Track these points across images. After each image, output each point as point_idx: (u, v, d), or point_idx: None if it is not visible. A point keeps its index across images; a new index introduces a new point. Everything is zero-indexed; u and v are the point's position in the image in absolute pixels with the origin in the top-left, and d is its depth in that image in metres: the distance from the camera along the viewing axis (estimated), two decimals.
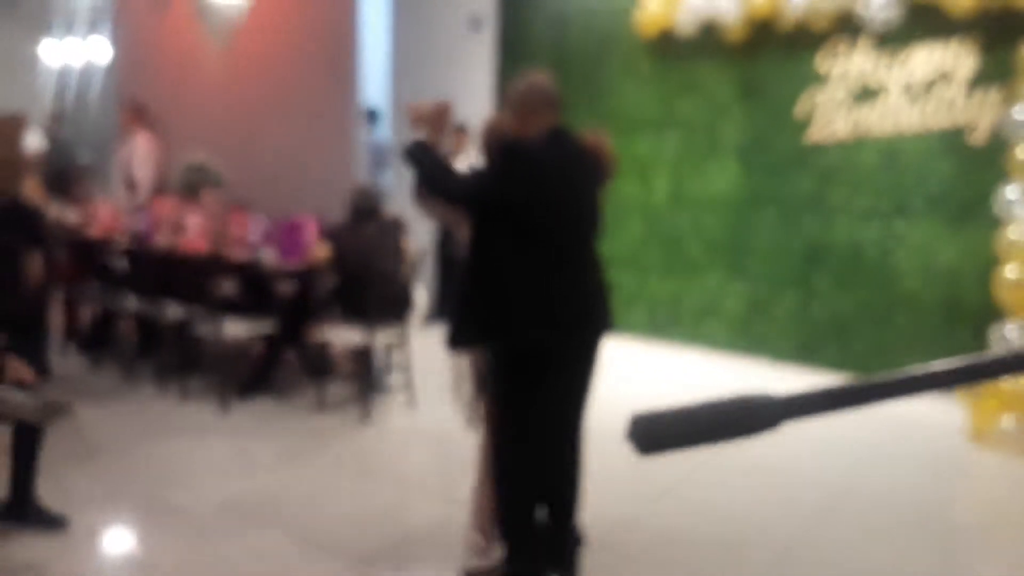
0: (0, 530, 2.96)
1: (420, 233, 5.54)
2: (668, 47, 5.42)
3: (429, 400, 4.52)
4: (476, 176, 2.61)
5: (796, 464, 3.76)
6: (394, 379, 4.72)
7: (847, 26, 4.79)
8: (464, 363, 2.86)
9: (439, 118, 2.56)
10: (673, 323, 5.63)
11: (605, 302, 2.65)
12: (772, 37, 5.05)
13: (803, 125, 5.01)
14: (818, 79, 4.93)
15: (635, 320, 5.78)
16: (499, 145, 2.57)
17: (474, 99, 6.08)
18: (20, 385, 2.88)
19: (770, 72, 5.08)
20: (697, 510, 3.37)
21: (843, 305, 4.97)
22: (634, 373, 5.30)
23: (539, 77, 2.64)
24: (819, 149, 4.97)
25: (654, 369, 5.40)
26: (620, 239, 5.77)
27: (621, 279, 5.75)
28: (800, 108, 4.99)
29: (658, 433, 0.92)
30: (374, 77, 6.42)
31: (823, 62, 4.88)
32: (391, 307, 4.24)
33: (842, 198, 4.92)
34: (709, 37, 5.24)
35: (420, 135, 2.50)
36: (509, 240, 2.51)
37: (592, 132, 2.73)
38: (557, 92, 2.60)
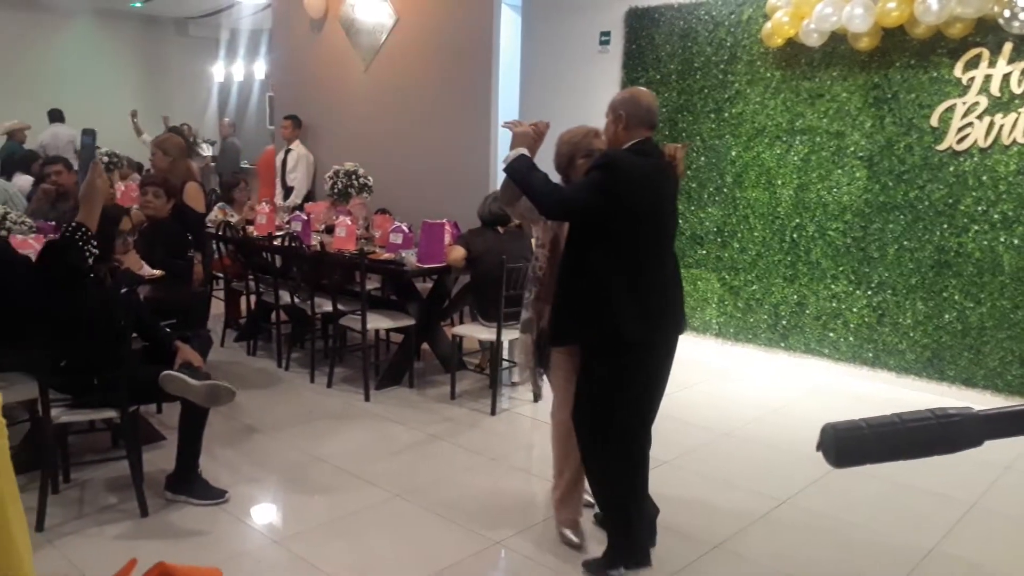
0: (169, 499, 3.38)
1: None
2: (795, 56, 5.44)
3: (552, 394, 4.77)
4: (576, 188, 2.78)
5: (920, 475, 3.74)
6: (521, 373, 5.00)
7: (985, 32, 4.67)
8: (529, 339, 3.13)
9: (539, 136, 2.93)
10: (796, 331, 5.62)
11: (683, 300, 2.92)
12: (905, 44, 4.98)
13: (936, 132, 4.91)
14: (954, 86, 4.82)
15: (757, 327, 5.81)
16: (599, 159, 2.75)
17: (601, 115, 6.28)
18: (190, 368, 3.27)
19: (902, 79, 5.01)
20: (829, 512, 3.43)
21: (977, 316, 4.83)
22: (759, 380, 5.34)
23: (644, 92, 2.84)
24: (953, 157, 4.86)
25: (778, 377, 5.42)
26: (744, 245, 5.83)
27: (743, 285, 5.81)
28: (934, 116, 4.89)
29: (854, 446, 0.88)
30: (505, 94, 6.74)
31: (959, 69, 4.78)
32: (519, 306, 4.50)
33: (977, 206, 4.79)
34: (837, 45, 5.23)
35: (522, 150, 2.81)
36: (607, 244, 2.70)
37: (671, 145, 2.95)
38: (657, 109, 2.82)
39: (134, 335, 3.27)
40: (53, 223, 4.69)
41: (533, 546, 3.10)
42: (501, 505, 3.44)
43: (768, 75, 5.58)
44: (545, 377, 3.18)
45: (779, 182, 5.60)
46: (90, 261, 1.77)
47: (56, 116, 9.86)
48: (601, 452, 2.82)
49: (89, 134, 2.09)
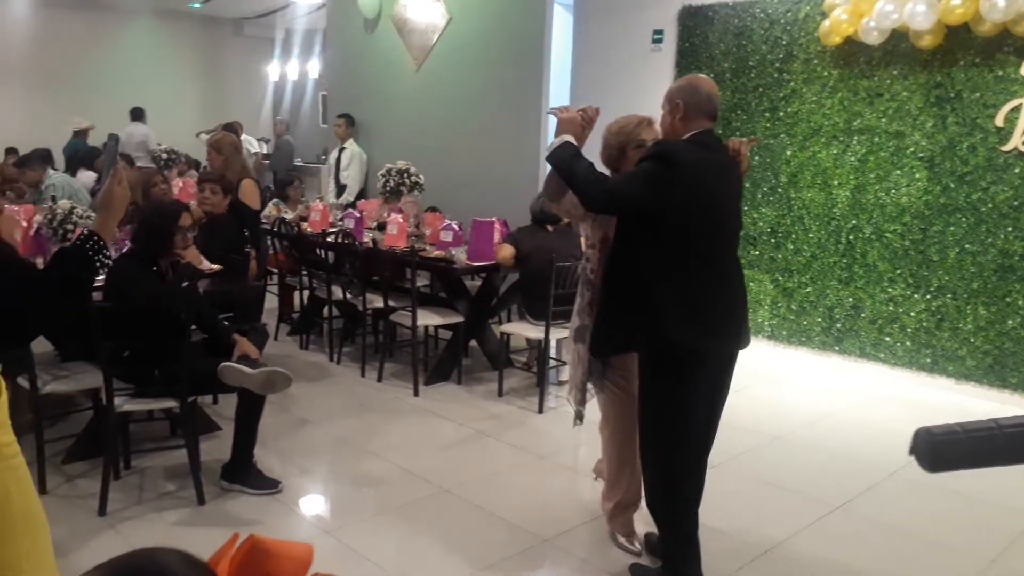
0: (225, 488, 3.47)
1: None
2: (853, 54, 5.33)
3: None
4: (626, 178, 2.58)
5: (979, 484, 3.64)
6: (566, 372, 4.99)
7: None
8: (582, 349, 2.88)
9: (588, 122, 2.64)
10: (850, 334, 5.50)
11: (746, 310, 2.68)
12: (969, 42, 4.84)
13: (1002, 133, 4.76)
14: (1021, 85, 4.67)
15: (810, 329, 5.71)
16: (654, 148, 2.55)
17: (654, 112, 6.23)
18: (247, 360, 3.35)
19: (966, 78, 4.87)
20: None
21: None
22: (812, 384, 5.25)
23: (704, 80, 2.60)
24: (1019, 158, 4.71)
25: (832, 381, 5.31)
26: (798, 246, 5.73)
27: (797, 287, 5.71)
28: (999, 115, 4.74)
29: (949, 452, 0.87)
30: (556, 92, 6.74)
31: None
32: (568, 304, 4.50)
33: None
34: (898, 43, 5.10)
35: (568, 137, 2.56)
36: (657, 243, 2.49)
37: (735, 139, 2.69)
38: (718, 98, 2.59)
39: (193, 327, 3.36)
40: None
41: (581, 546, 3.10)
42: (548, 503, 3.45)
43: (825, 74, 5.48)
44: (595, 389, 3.01)
45: (835, 182, 5.49)
46: (101, 273, 1.72)
47: (137, 115, 10.22)
48: (659, 465, 2.68)
49: (113, 139, 2.06)
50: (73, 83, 11.12)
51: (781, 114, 5.71)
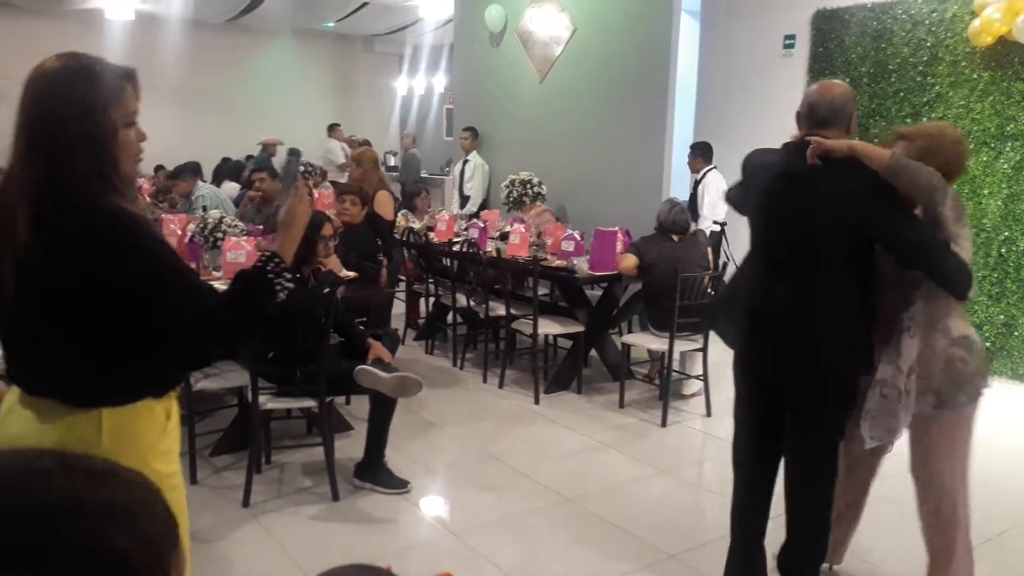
0: (357, 486, 3.61)
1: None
2: (1007, 55, 4.98)
3: (725, 408, 4.64)
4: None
5: None
6: (692, 385, 4.91)
7: None
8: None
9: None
10: (1002, 354, 5.13)
11: (810, 339, 2.34)
12: None
13: None
14: None
15: None
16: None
17: (784, 120, 6.04)
18: (381, 363, 3.49)
19: None
20: None
21: None
22: None
23: (817, 85, 2.46)
24: None
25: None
26: None
27: None
28: None
29: None
30: (681, 100, 6.65)
31: None
32: (692, 316, 4.43)
33: None
34: None
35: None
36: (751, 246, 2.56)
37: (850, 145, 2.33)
38: (826, 102, 2.37)
39: (332, 331, 3.53)
40: (260, 226, 5.16)
41: (708, 563, 3.03)
42: (673, 519, 3.40)
43: (975, 76, 5.15)
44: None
45: (985, 191, 5.14)
46: (281, 296, 1.62)
47: (330, 130, 11.04)
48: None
49: (295, 155, 1.91)
50: (218, 100, 11.92)
51: (924, 119, 5.41)
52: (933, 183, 2.20)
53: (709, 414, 4.63)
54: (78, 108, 1.47)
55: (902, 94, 5.51)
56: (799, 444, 2.49)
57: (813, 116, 2.39)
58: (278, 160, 10.10)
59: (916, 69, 5.43)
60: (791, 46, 6.14)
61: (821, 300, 2.34)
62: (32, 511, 0.55)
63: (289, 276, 1.63)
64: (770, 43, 6.24)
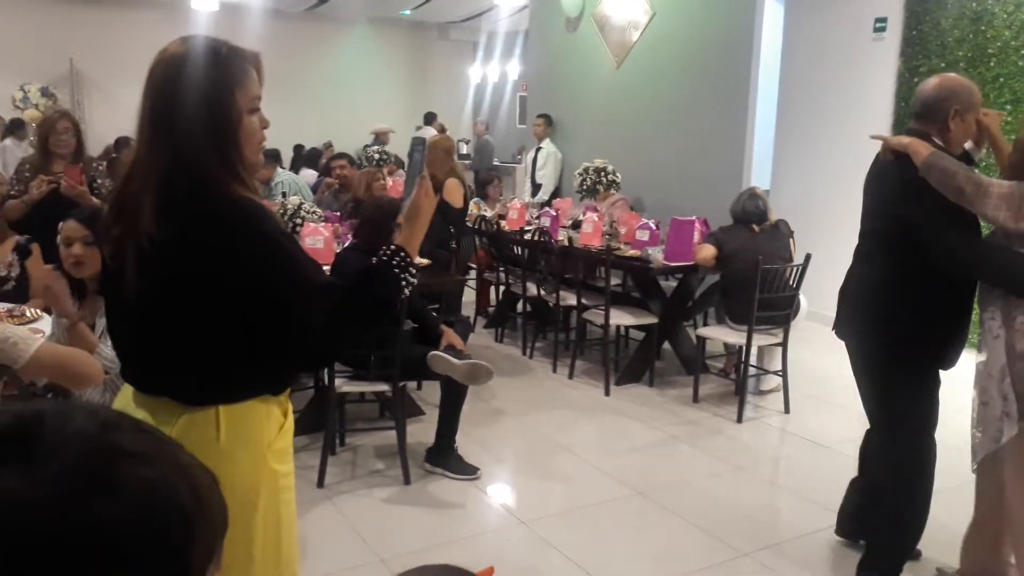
0: (428, 471, 3.63)
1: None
2: None
3: (803, 405, 4.51)
4: None
5: None
6: (770, 381, 4.77)
7: None
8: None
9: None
10: None
11: (878, 329, 2.56)
12: None
13: None
14: None
15: None
16: None
17: (873, 106, 5.81)
18: (453, 350, 3.51)
19: None
20: None
21: None
22: None
23: (928, 81, 2.57)
24: None
25: None
26: None
27: None
28: None
29: None
30: (763, 86, 6.45)
31: None
32: (773, 309, 4.30)
33: None
34: None
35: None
36: None
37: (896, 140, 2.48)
38: (921, 93, 2.54)
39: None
40: (337, 213, 5.24)
41: (784, 563, 2.95)
42: (748, 516, 3.31)
43: None
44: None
45: None
46: (405, 292, 1.54)
47: (429, 119, 11.22)
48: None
49: (420, 144, 1.76)
50: (296, 88, 12.16)
51: None
52: (958, 185, 2.27)
53: (787, 411, 4.49)
54: (204, 93, 1.40)
55: (1002, 80, 5.21)
56: None
57: (912, 108, 2.58)
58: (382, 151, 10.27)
59: (1018, 53, 5.13)
60: (882, 29, 5.87)
61: (868, 275, 2.62)
62: (110, 447, 0.56)
63: (414, 271, 1.55)
64: (859, 26, 5.98)
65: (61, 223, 2.60)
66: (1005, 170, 2.47)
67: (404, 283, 1.52)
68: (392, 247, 1.54)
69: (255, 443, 1.49)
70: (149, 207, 1.37)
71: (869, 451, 2.85)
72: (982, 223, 2.44)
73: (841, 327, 2.71)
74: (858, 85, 5.81)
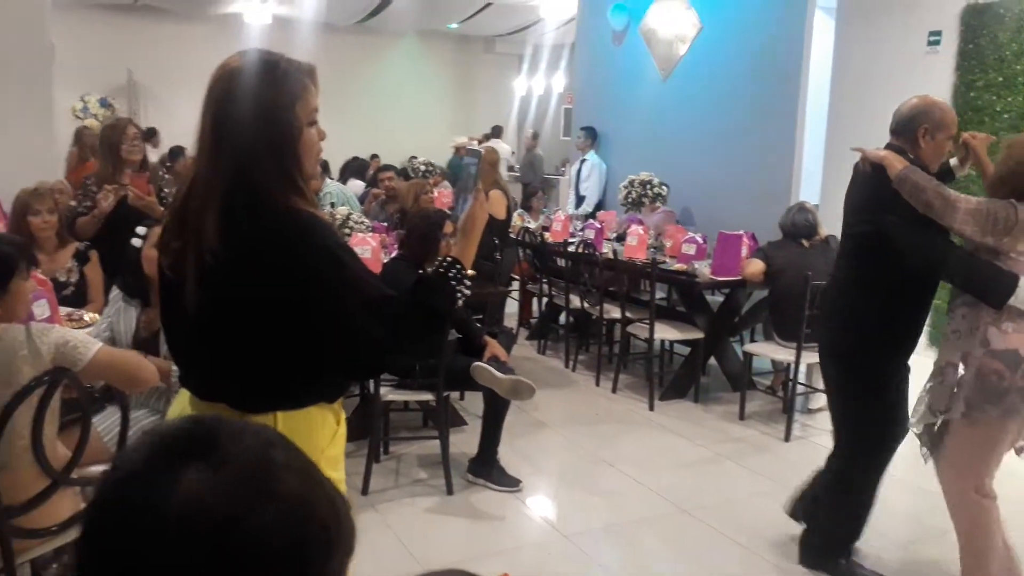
0: (470, 481, 3.64)
1: None
2: None
3: None
4: None
5: None
6: (819, 399, 4.68)
7: None
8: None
9: None
10: None
11: (835, 322, 2.84)
12: None
13: None
14: None
15: None
16: None
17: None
18: (497, 362, 3.51)
19: None
20: None
21: None
22: None
23: (908, 99, 2.77)
24: None
25: None
26: None
27: None
28: None
29: None
30: (813, 100, 6.36)
31: None
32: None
33: None
34: None
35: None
36: None
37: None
38: (898, 113, 2.71)
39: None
40: (384, 223, 5.29)
41: None
42: (794, 537, 3.21)
43: None
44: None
45: None
46: (459, 304, 1.55)
47: (496, 132, 11.36)
48: None
49: (474, 155, 1.75)
50: (344, 100, 12.34)
51: None
52: (927, 199, 2.44)
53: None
54: (266, 108, 1.42)
55: None
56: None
57: (890, 124, 2.75)
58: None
59: None
60: (936, 43, 5.74)
61: (837, 280, 2.87)
62: (272, 461, 0.64)
63: (468, 283, 1.55)
64: (913, 40, 5.86)
65: (145, 228, 2.69)
66: (987, 190, 2.63)
67: (459, 295, 1.53)
68: (448, 259, 1.55)
69: (310, 450, 1.46)
70: (212, 222, 1.39)
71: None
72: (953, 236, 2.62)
73: (815, 327, 2.99)
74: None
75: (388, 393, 3.52)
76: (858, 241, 2.72)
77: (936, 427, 2.63)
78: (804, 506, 3.07)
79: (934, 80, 5.71)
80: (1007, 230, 2.40)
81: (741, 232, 4.78)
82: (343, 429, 1.60)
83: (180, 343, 1.57)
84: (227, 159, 1.42)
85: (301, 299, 1.41)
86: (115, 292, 2.85)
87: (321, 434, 1.52)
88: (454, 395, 4.63)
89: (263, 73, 1.44)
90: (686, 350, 5.17)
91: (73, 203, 3.91)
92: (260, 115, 1.42)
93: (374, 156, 10.81)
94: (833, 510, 2.89)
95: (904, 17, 5.95)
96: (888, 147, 2.66)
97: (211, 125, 1.44)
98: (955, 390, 2.51)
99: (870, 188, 2.62)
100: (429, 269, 3.66)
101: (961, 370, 2.52)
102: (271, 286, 1.40)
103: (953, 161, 2.83)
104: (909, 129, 2.65)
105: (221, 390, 1.47)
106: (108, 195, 3.66)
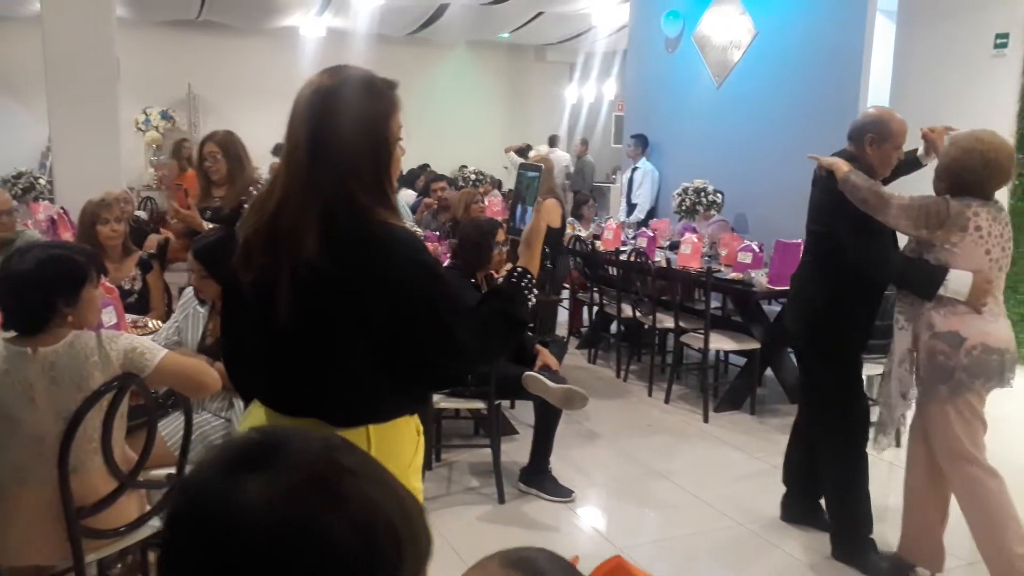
0: (522, 491, 3.63)
1: None
2: None
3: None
4: None
5: None
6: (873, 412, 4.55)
7: None
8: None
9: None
10: None
11: (803, 313, 3.09)
12: None
13: None
14: None
15: None
16: None
17: (994, 126, 5.49)
18: (549, 371, 3.51)
19: None
20: None
21: None
22: None
23: (868, 111, 3.07)
24: None
25: None
26: None
27: None
28: None
29: None
30: (873, 104, 6.21)
31: None
32: (883, 338, 4.10)
33: None
34: None
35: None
36: None
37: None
38: (856, 125, 2.95)
39: None
40: (436, 233, 5.33)
41: None
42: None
43: None
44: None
45: None
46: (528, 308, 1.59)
47: (553, 142, 11.51)
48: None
49: (534, 168, 1.77)
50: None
51: None
52: (863, 197, 2.70)
53: (898, 444, 4.26)
54: (368, 122, 1.44)
55: None
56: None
57: (858, 137, 2.93)
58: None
59: None
60: (1003, 45, 5.57)
61: (804, 271, 3.12)
62: (338, 465, 0.65)
63: (536, 291, 1.59)
64: (978, 43, 5.69)
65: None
66: (933, 182, 2.81)
67: (530, 304, 1.57)
68: (519, 269, 1.58)
69: (399, 461, 1.50)
70: (313, 236, 1.38)
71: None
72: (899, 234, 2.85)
73: (785, 316, 3.29)
74: (977, 104, 5.52)
75: (441, 401, 3.54)
76: (815, 239, 3.04)
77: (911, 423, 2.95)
78: (788, 471, 3.41)
79: (1000, 85, 5.54)
80: (940, 224, 2.63)
81: (799, 240, 4.67)
82: (423, 440, 1.61)
83: (260, 358, 1.52)
84: (326, 173, 1.42)
85: (399, 311, 1.41)
86: (187, 296, 2.92)
87: (408, 445, 1.54)
88: (504, 404, 4.63)
89: (362, 89, 1.47)
90: (741, 361, 5.08)
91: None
92: (362, 130, 1.44)
93: (424, 166, 10.92)
94: (840, 510, 3.08)
95: (969, 19, 5.78)
96: (840, 152, 2.92)
97: (309, 141, 1.43)
98: (914, 374, 2.80)
99: (824, 191, 2.87)
100: (498, 278, 3.72)
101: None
102: (370, 298, 1.41)
103: (920, 151, 3.17)
104: (859, 136, 2.91)
105: (311, 405, 1.46)
106: (174, 216, 3.70)
